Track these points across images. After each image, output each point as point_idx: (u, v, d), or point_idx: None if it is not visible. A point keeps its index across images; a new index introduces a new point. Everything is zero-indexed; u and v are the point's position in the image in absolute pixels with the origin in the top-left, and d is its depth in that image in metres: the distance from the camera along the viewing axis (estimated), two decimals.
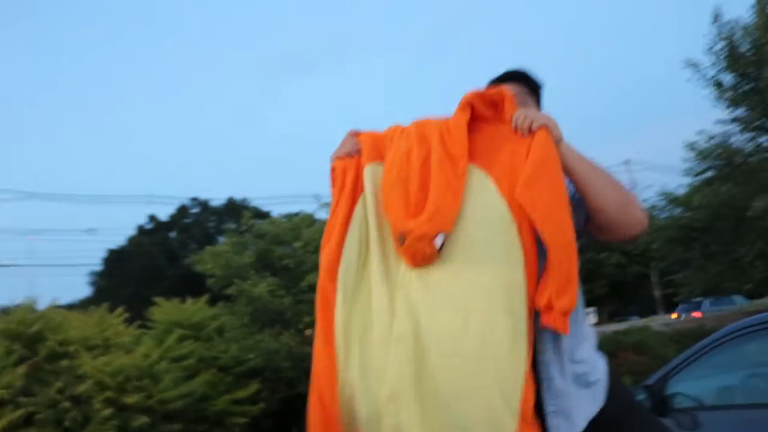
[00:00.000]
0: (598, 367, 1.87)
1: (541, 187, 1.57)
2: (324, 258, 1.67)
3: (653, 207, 14.70)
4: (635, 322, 23.94)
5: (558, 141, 1.67)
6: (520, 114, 1.69)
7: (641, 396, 3.74)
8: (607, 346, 12.12)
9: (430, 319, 1.52)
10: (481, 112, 1.73)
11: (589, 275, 33.27)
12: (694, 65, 12.80)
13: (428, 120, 1.74)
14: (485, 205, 1.60)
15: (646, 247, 14.94)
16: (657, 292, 33.98)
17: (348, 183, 1.71)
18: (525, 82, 1.97)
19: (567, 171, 1.66)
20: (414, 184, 1.60)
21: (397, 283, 1.59)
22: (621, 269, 34.07)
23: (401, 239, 1.57)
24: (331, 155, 1.83)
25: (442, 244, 1.55)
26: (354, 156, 1.76)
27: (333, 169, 1.78)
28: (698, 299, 19.87)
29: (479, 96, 1.74)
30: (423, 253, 1.55)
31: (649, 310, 33.78)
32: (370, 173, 1.71)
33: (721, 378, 3.98)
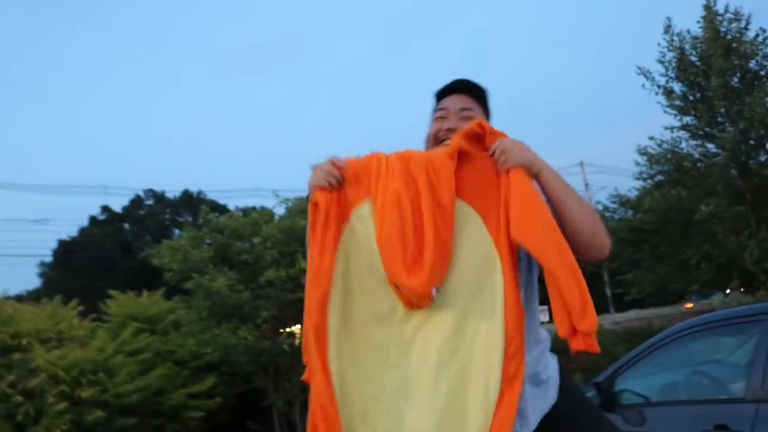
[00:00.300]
0: (549, 365, 1.97)
1: (535, 227, 1.66)
2: (315, 299, 1.70)
3: (606, 209, 15.02)
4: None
5: (539, 172, 1.75)
6: (498, 148, 1.76)
7: (591, 393, 3.88)
8: (559, 343, 12.39)
9: (420, 356, 1.66)
10: (464, 147, 1.78)
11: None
12: (645, 73, 13.16)
13: (411, 154, 1.77)
14: (473, 245, 1.70)
15: None
16: (609, 291, 34.68)
17: (332, 222, 1.73)
18: (471, 92, 2.01)
19: (548, 197, 1.77)
20: (408, 237, 1.66)
21: (390, 318, 1.70)
22: None
23: (398, 287, 1.67)
24: (311, 183, 1.79)
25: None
26: (335, 187, 1.76)
27: (315, 203, 1.77)
28: (711, 292, 20.98)
29: (464, 135, 1.79)
30: (419, 303, 1.67)
31: (601, 309, 34.50)
32: (359, 215, 1.75)
33: (667, 375, 4.13)
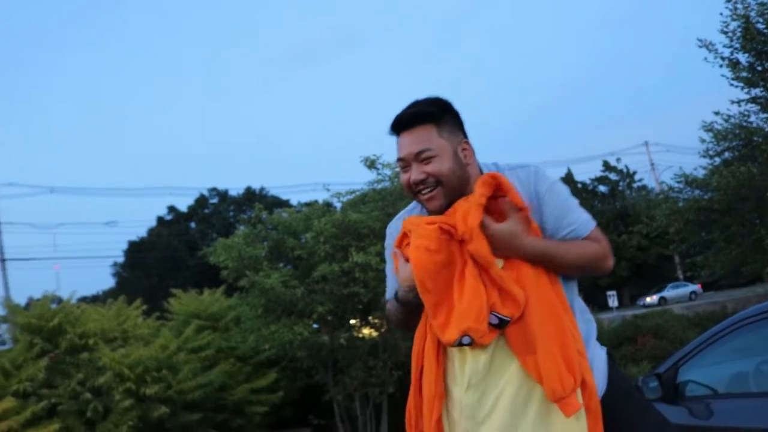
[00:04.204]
0: (595, 355, 1.86)
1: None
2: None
3: (671, 189, 14.49)
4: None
5: (520, 249, 1.73)
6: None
7: (653, 384, 3.69)
8: (625, 330, 12.02)
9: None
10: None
11: None
12: (707, 46, 12.55)
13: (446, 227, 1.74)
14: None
15: (665, 230, 14.69)
16: (680, 274, 33.68)
17: None
18: (419, 122, 1.80)
19: (533, 260, 1.75)
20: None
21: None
22: (642, 251, 33.74)
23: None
24: (401, 288, 1.82)
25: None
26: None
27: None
28: None
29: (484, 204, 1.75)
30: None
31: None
32: None
33: (735, 365, 3.88)
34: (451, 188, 1.77)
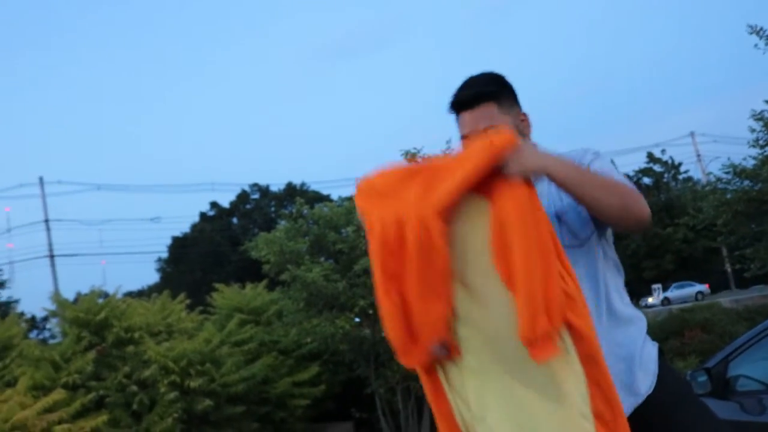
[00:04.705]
0: (645, 350, 1.81)
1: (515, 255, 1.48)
2: None
3: (719, 180, 14.10)
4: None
5: (543, 170, 1.58)
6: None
7: (702, 379, 3.59)
8: (672, 324, 11.77)
9: None
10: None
11: (655, 251, 32.32)
12: (758, 32, 12.15)
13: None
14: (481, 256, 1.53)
15: (712, 222, 14.33)
16: (728, 267, 32.85)
17: None
18: (484, 99, 1.80)
19: (560, 187, 1.66)
20: None
21: None
22: (688, 244, 33.02)
23: None
24: None
25: None
26: None
27: None
28: None
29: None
30: None
31: (721, 285, 32.68)
32: None
33: None
34: None
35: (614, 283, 1.84)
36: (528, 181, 1.54)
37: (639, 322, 1.87)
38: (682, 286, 29.37)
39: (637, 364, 1.78)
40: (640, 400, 1.75)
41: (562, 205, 1.80)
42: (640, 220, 1.70)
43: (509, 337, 1.46)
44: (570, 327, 1.49)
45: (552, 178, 1.62)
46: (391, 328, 1.53)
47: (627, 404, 1.68)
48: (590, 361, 1.50)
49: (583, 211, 1.77)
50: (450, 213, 1.52)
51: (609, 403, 1.50)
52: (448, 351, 1.54)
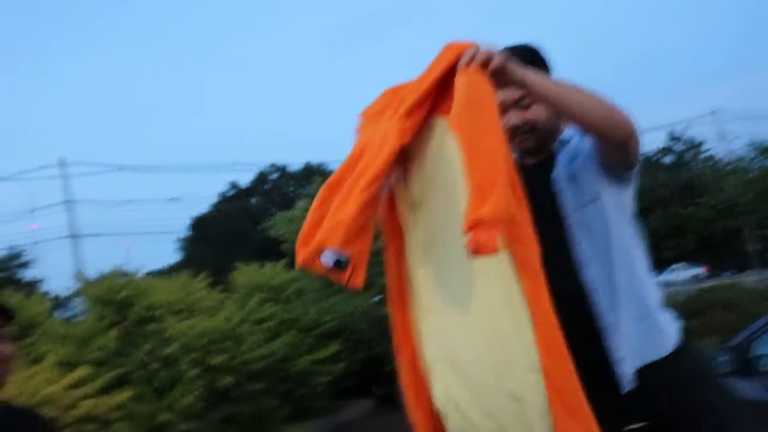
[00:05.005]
0: (666, 318, 1.83)
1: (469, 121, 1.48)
2: None
3: (742, 159, 13.93)
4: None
5: (519, 79, 1.59)
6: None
7: (724, 357, 3.57)
8: (693, 304, 11.68)
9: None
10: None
11: (675, 231, 32.00)
12: None
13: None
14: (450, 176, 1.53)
15: (734, 201, 14.16)
16: (750, 247, 32.39)
17: None
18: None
19: (540, 99, 1.71)
20: None
21: None
22: (710, 224, 32.59)
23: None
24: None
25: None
26: None
27: None
28: None
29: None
30: None
31: (743, 266, 32.27)
32: None
33: None
34: (543, 134, 1.86)
35: (632, 240, 1.84)
36: (489, 77, 1.52)
37: (656, 284, 1.87)
38: (677, 270, 28.84)
39: (654, 322, 1.79)
40: (662, 352, 1.76)
41: (572, 167, 1.82)
42: (626, 130, 1.67)
43: (455, 236, 1.43)
44: (514, 254, 1.45)
45: (531, 90, 1.63)
46: (304, 225, 1.63)
47: (648, 352, 1.74)
48: (535, 299, 1.44)
49: (593, 165, 1.79)
50: (413, 127, 1.58)
51: (551, 351, 1.42)
52: (345, 267, 1.53)
